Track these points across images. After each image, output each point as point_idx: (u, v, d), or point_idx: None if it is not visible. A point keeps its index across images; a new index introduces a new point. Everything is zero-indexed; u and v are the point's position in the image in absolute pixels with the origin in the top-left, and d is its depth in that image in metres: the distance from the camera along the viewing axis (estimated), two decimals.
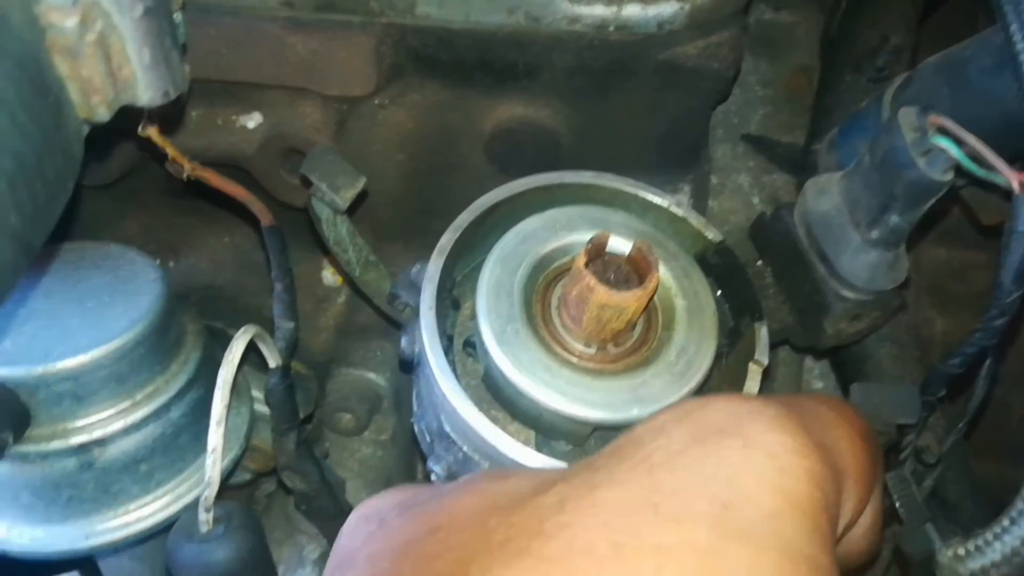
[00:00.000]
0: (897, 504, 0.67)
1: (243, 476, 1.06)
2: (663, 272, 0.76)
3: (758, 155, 1.03)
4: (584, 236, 0.73)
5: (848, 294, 0.78)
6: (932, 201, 0.71)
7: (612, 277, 0.71)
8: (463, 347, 0.78)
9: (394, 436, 1.12)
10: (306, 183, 0.87)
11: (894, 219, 0.73)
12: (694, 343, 0.73)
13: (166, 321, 0.86)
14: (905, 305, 0.86)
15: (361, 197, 0.89)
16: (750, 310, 0.77)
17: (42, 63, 0.46)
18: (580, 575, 0.34)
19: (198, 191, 0.93)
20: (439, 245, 0.76)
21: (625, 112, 0.96)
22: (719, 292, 0.80)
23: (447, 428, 0.71)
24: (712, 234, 0.80)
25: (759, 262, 0.86)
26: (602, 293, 0.68)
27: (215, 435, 0.75)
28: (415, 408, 0.81)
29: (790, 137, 1.05)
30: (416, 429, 0.80)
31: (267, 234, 0.83)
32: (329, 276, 1.25)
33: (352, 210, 0.90)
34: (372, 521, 0.44)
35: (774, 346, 0.93)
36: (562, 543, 0.35)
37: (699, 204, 1.03)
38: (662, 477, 0.36)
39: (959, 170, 0.67)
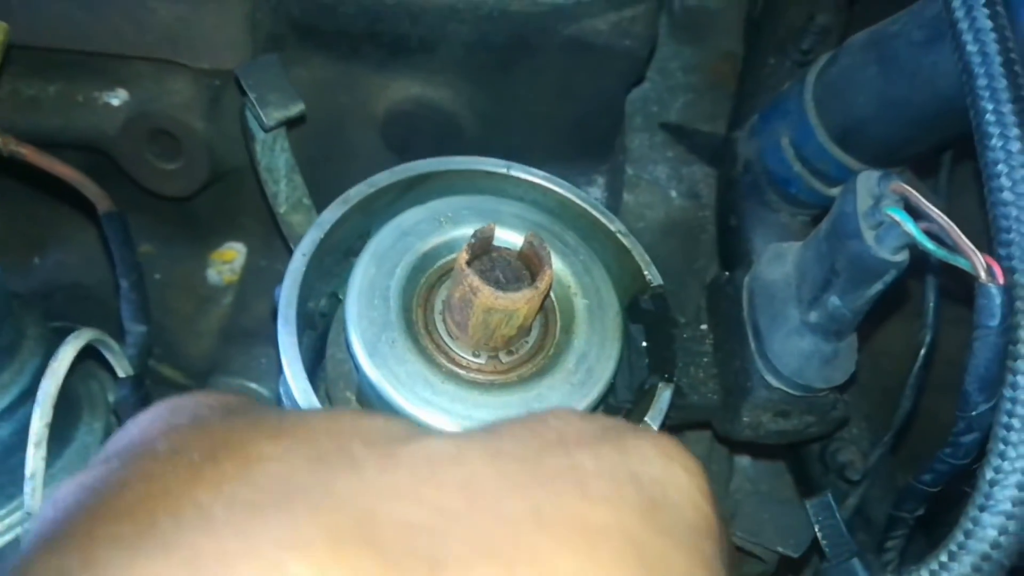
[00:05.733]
0: (819, 535, 0.59)
1: None
2: (561, 268, 0.68)
3: (677, 145, 0.95)
4: (472, 230, 0.64)
5: (773, 381, 0.67)
6: (879, 286, 0.59)
7: (500, 276, 0.63)
8: None
9: None
10: (240, 91, 0.79)
11: (833, 301, 0.61)
12: (595, 347, 0.65)
13: None
14: (847, 420, 0.74)
15: (295, 123, 0.80)
16: (664, 369, 0.67)
17: None
18: (495, 548, 0.28)
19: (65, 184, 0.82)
20: (345, 195, 0.68)
21: (532, 94, 0.88)
22: (644, 344, 0.70)
23: (280, 391, 0.62)
24: (651, 275, 0.71)
25: (703, 326, 0.74)
26: (487, 295, 0.59)
27: (33, 459, 0.64)
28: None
29: (712, 127, 0.98)
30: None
31: (106, 222, 0.72)
32: (214, 275, 1.13)
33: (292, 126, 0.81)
34: (181, 414, 0.36)
35: (692, 427, 0.82)
36: (457, 486, 0.30)
37: (613, 198, 0.95)
38: (583, 458, 0.33)
39: (915, 250, 0.56)
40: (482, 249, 0.62)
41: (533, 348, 0.67)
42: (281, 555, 0.25)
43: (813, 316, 0.64)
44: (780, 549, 0.69)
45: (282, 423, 0.34)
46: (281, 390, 0.62)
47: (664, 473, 0.34)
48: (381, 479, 0.30)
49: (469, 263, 0.60)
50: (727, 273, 0.74)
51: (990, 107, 0.55)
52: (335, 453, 0.31)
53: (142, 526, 0.26)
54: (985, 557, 0.47)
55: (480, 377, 0.64)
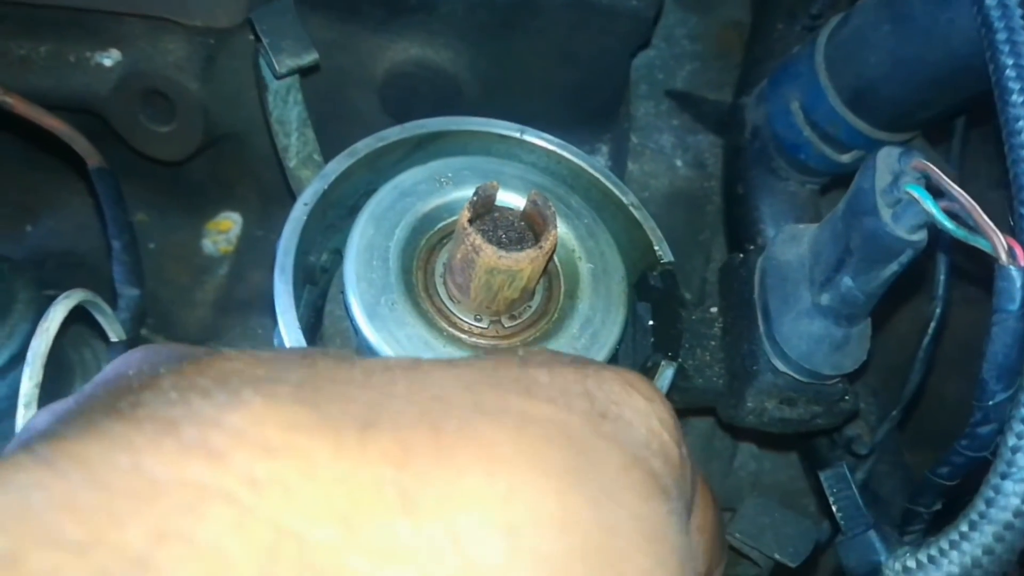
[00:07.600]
0: (834, 508, 0.57)
1: None
2: (565, 232, 0.66)
3: (683, 113, 0.93)
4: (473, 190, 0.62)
5: (780, 365, 0.65)
6: (894, 267, 0.57)
7: (503, 236, 0.61)
8: None
9: None
10: (255, 36, 0.76)
11: (846, 282, 0.59)
12: (600, 312, 0.64)
13: None
14: (856, 413, 0.72)
15: (308, 71, 0.78)
16: (668, 348, 0.66)
17: None
18: (428, 417, 0.29)
19: (57, 144, 0.79)
20: (352, 147, 0.67)
21: (534, 56, 0.86)
22: (651, 323, 0.68)
23: (274, 343, 0.61)
24: (662, 251, 0.70)
25: (713, 309, 0.72)
26: (490, 255, 0.57)
27: (22, 420, 0.62)
28: None
29: (718, 95, 0.96)
30: None
31: (96, 178, 0.70)
32: (210, 244, 1.11)
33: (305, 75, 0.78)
34: (155, 353, 0.35)
35: (695, 413, 0.81)
36: (406, 378, 0.31)
37: (618, 167, 0.93)
38: (537, 373, 0.33)
39: (933, 230, 0.54)
40: (484, 208, 0.60)
41: (536, 313, 0.65)
42: (220, 413, 0.27)
43: (825, 298, 0.61)
44: (778, 557, 0.67)
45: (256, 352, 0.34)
46: (275, 342, 0.61)
47: (621, 396, 0.33)
48: (335, 372, 0.31)
49: (471, 222, 0.58)
50: (741, 255, 0.72)
51: (1010, 62, 0.53)
52: (297, 360, 0.32)
53: (103, 411, 0.28)
54: (1008, 526, 0.45)
55: (482, 341, 0.63)
